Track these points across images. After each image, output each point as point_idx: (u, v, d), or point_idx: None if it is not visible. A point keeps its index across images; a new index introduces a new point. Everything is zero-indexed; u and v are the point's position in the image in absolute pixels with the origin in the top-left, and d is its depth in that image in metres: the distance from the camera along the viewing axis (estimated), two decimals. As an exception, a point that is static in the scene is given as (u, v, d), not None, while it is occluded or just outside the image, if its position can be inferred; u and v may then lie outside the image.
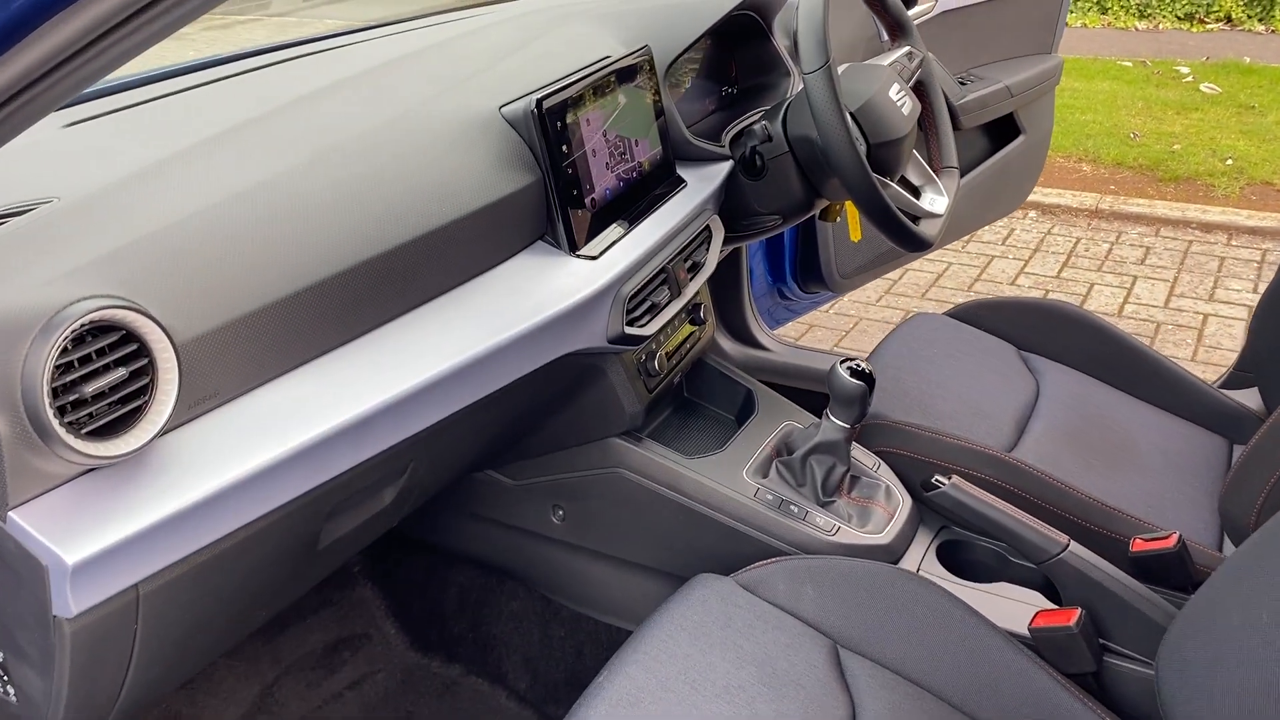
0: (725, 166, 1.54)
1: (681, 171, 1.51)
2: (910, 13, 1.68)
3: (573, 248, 1.28)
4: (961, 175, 1.90)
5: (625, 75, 1.38)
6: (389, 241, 1.06)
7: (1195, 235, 4.16)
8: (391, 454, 1.06)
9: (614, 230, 1.34)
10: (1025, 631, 1.27)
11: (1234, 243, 4.07)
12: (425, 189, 1.12)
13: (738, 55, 1.75)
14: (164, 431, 0.86)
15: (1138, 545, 1.38)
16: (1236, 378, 1.92)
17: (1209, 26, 7.48)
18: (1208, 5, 7.54)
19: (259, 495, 0.93)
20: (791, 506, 1.41)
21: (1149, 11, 7.68)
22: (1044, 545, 1.29)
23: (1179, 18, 7.59)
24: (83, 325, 0.80)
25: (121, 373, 0.82)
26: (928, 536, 1.49)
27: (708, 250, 1.51)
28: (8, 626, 0.88)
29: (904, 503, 1.48)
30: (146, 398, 0.85)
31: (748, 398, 1.63)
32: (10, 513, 0.80)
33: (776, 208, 1.57)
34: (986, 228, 4.18)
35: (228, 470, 0.89)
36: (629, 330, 1.30)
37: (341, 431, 0.97)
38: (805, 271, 2.35)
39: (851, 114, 1.45)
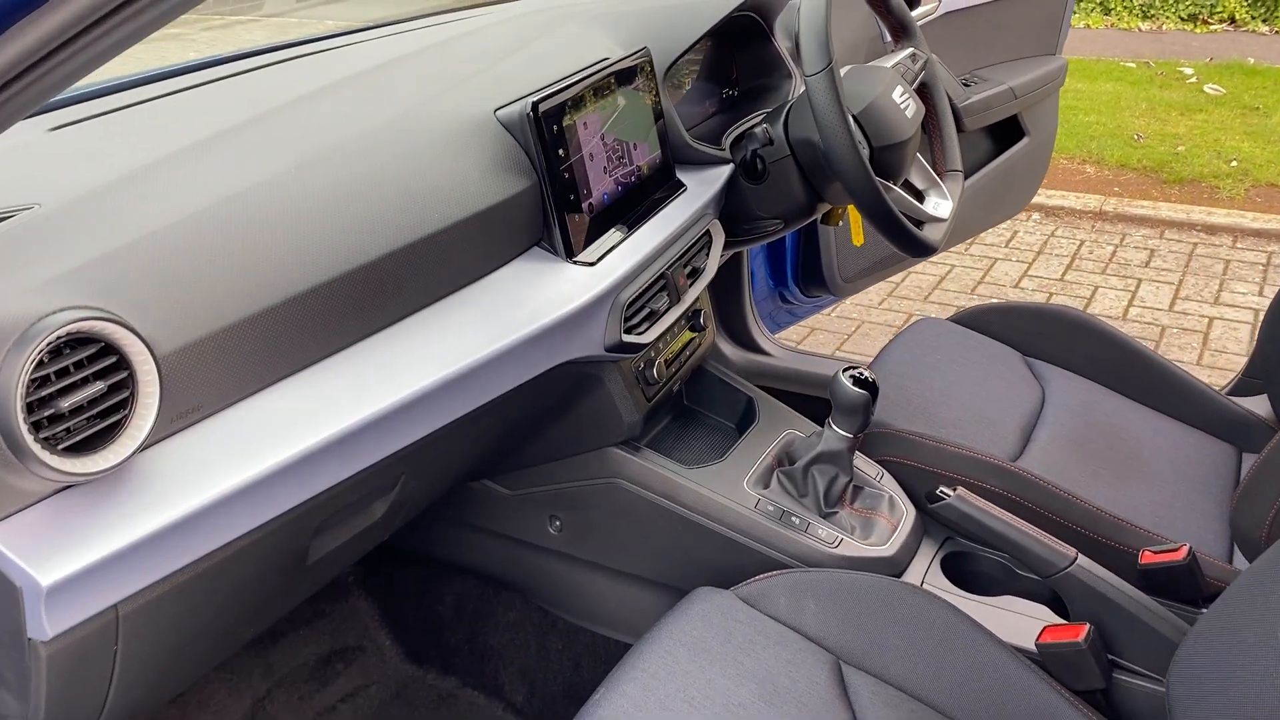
0: (726, 170, 1.52)
1: (681, 175, 1.48)
2: (913, 14, 1.65)
3: (569, 254, 1.25)
4: (965, 178, 1.87)
5: (623, 77, 1.35)
6: (378, 249, 1.03)
7: (1200, 238, 4.13)
8: (381, 467, 1.03)
9: (612, 236, 1.31)
10: (1032, 647, 1.25)
11: (1239, 245, 4.04)
12: (416, 195, 1.10)
13: (738, 57, 1.72)
14: (144, 447, 0.83)
15: (1147, 557, 1.35)
16: (1245, 384, 1.89)
17: (1213, 27, 7.45)
18: (1211, 6, 7.51)
19: (243, 511, 0.90)
20: (793, 518, 1.38)
21: (1152, 12, 7.65)
22: (1051, 559, 1.26)
23: (1183, 18, 7.56)
24: (59, 337, 0.77)
25: (100, 386, 0.79)
26: (932, 548, 1.46)
27: (708, 255, 1.48)
28: None
29: (908, 514, 1.45)
30: (126, 412, 0.82)
31: (748, 406, 1.60)
32: (-17, 532, 0.77)
33: (778, 212, 1.54)
34: (989, 230, 4.15)
35: (211, 486, 0.87)
36: (627, 338, 1.28)
37: (328, 446, 0.94)
38: (807, 275, 2.32)
39: (854, 117, 1.43)
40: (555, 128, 1.22)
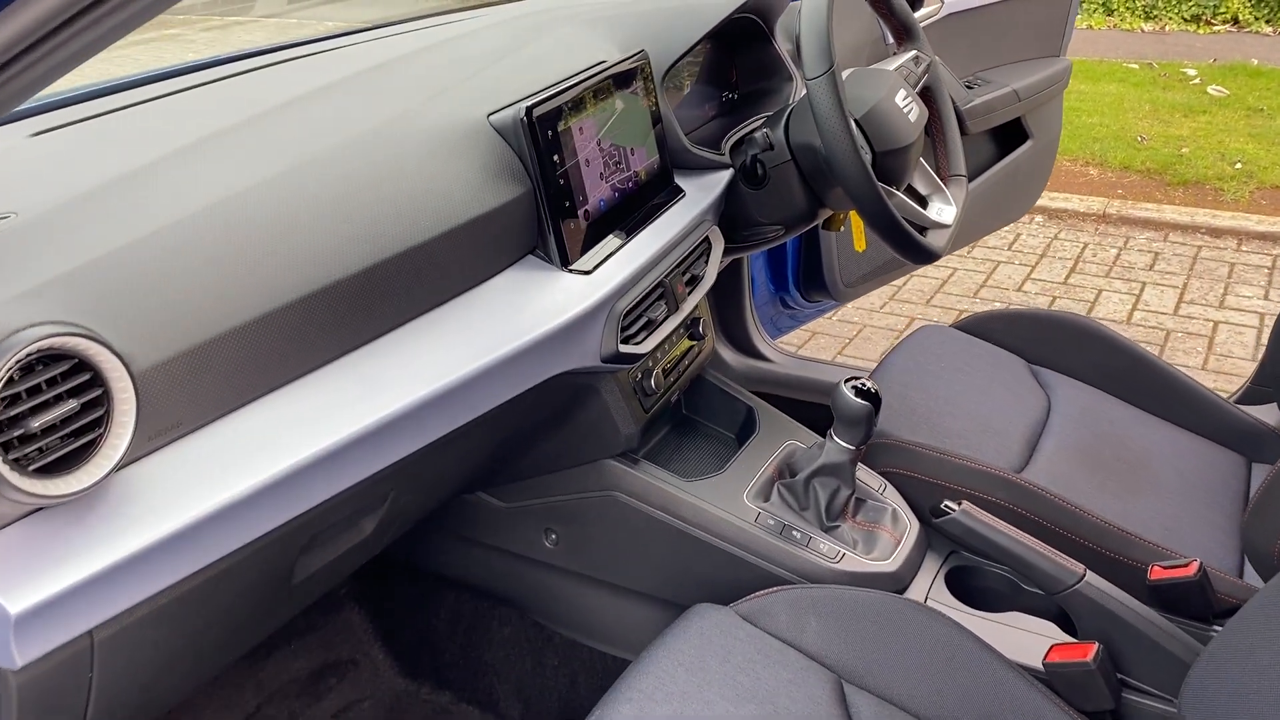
0: (725, 175, 1.49)
1: (680, 181, 1.45)
2: (916, 15, 1.62)
3: (565, 262, 1.22)
4: (968, 181, 1.84)
5: (621, 81, 1.32)
6: (366, 260, 1.00)
7: (1204, 240, 4.10)
8: (369, 484, 1.00)
9: (608, 243, 1.28)
10: (1039, 665, 1.21)
11: (1244, 248, 4.01)
12: (406, 203, 1.07)
13: (738, 59, 1.69)
14: (120, 466, 0.80)
15: (1156, 573, 1.32)
16: (1254, 392, 1.86)
17: (1216, 28, 7.42)
18: (1214, 7, 7.47)
19: (225, 532, 0.87)
20: (794, 532, 1.35)
21: (1155, 13, 7.61)
22: (1059, 575, 1.23)
23: (1185, 19, 7.53)
24: (30, 354, 0.74)
25: (72, 405, 0.76)
26: (936, 562, 1.43)
27: (707, 262, 1.45)
28: None
29: (911, 527, 1.42)
30: (101, 431, 0.79)
31: (749, 415, 1.57)
32: (-50, 558, 0.74)
33: (778, 218, 1.51)
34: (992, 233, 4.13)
35: (190, 506, 0.84)
36: (623, 348, 1.25)
37: (314, 462, 0.91)
38: (808, 280, 2.29)
39: (856, 121, 1.40)
40: (550, 133, 1.19)
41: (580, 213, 1.24)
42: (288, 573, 1.02)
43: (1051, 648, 1.21)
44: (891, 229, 1.38)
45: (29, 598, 0.74)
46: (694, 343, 1.51)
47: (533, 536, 1.50)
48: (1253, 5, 7.41)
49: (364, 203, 1.04)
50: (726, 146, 1.53)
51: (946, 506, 1.28)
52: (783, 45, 1.68)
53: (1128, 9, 7.68)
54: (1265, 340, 3.26)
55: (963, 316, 3.44)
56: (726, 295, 2.14)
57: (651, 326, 1.31)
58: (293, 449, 0.90)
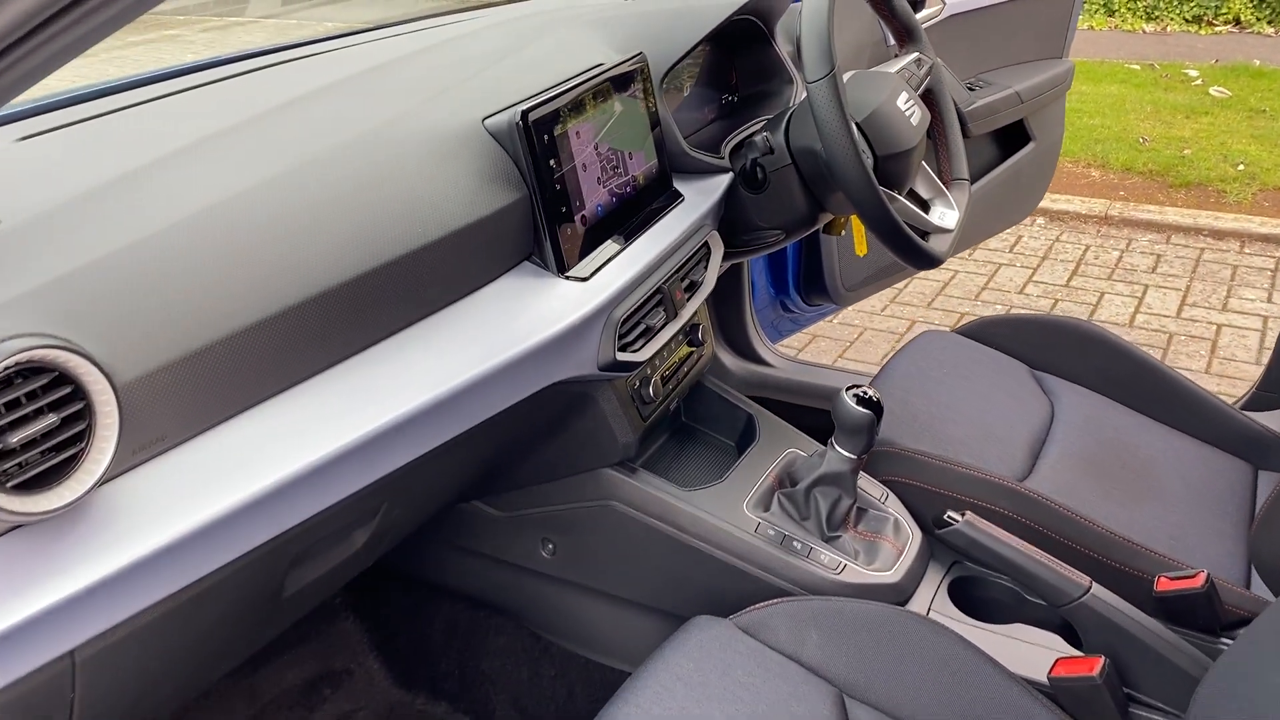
0: (725, 179, 1.47)
1: (678, 185, 1.43)
2: (917, 16, 1.60)
3: (561, 269, 1.20)
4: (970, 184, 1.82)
5: (618, 84, 1.30)
6: (358, 267, 0.98)
7: (1207, 243, 4.07)
8: (361, 496, 0.98)
9: (606, 249, 1.26)
10: (1044, 679, 1.19)
11: (1247, 250, 3.99)
12: (398, 209, 1.04)
13: (738, 62, 1.67)
14: (103, 481, 0.78)
15: (1163, 584, 1.29)
16: (1260, 398, 1.84)
17: (1217, 29, 7.39)
18: (1216, 7, 7.45)
19: (212, 548, 0.85)
20: (794, 543, 1.33)
21: (1156, 14, 7.59)
22: (1064, 588, 1.20)
23: (1187, 20, 7.51)
24: (8, 367, 0.72)
25: (52, 419, 0.74)
26: (939, 573, 1.41)
27: (706, 268, 1.43)
28: None
29: (913, 537, 1.40)
30: (83, 445, 0.77)
31: (749, 423, 1.54)
32: (-74, 576, 0.72)
33: (779, 222, 1.49)
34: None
35: (176, 522, 0.81)
36: (621, 356, 1.22)
37: (303, 476, 0.89)
38: (809, 283, 2.27)
39: (857, 125, 1.38)
40: (546, 137, 1.17)
41: (577, 218, 1.22)
42: (278, 587, 1.00)
43: (1056, 661, 1.19)
44: (893, 234, 1.36)
45: (6, 619, 0.72)
46: (693, 349, 1.49)
47: (529, 546, 1.47)
48: (1254, 6, 7.39)
49: (356, 208, 1.02)
50: (726, 150, 1.51)
51: (949, 517, 1.26)
52: (783, 47, 1.66)
53: (1129, 10, 7.66)
54: (1269, 344, 3.25)
55: (964, 321, 3.42)
56: (726, 299, 2.12)
57: (649, 334, 1.29)
58: (281, 462, 0.88)
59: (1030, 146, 2.57)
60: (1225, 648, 1.29)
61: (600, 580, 1.45)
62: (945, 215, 1.54)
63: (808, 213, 1.48)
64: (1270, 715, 0.91)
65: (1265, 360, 3.15)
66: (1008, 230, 4.21)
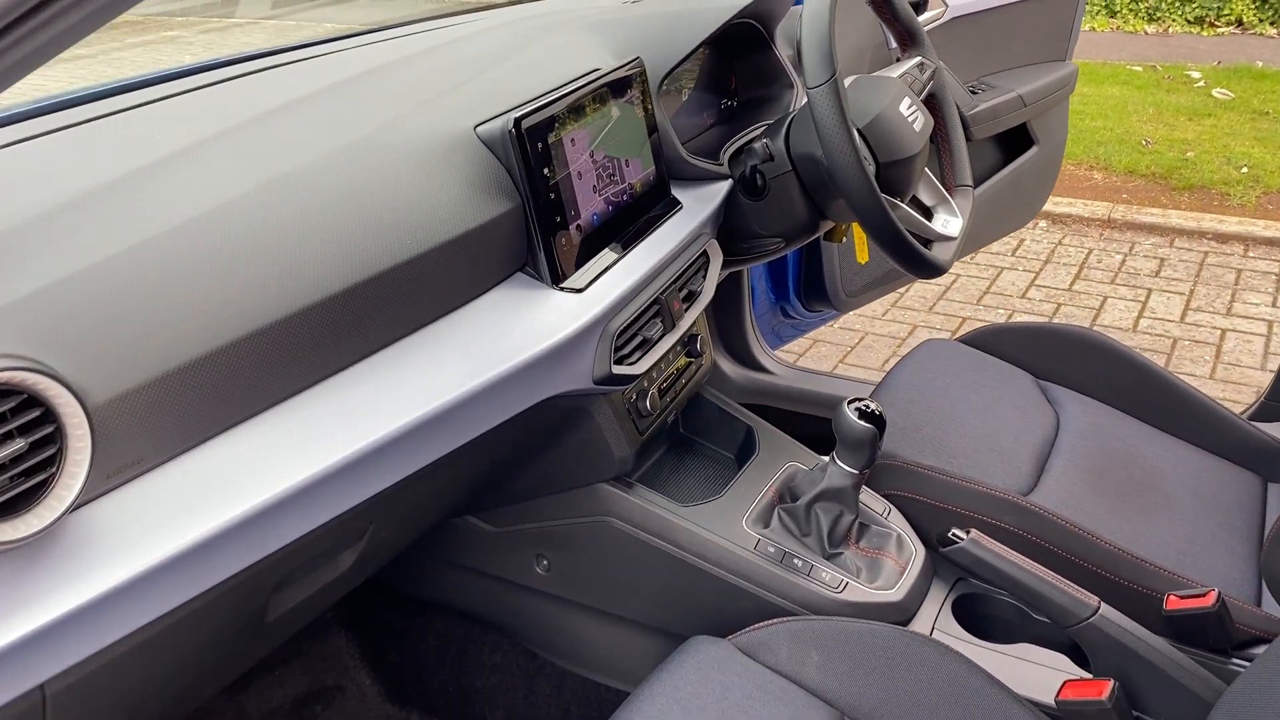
0: (724, 186, 1.44)
1: (677, 192, 1.40)
2: (919, 19, 1.56)
3: (555, 280, 1.17)
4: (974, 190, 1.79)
5: (615, 89, 1.27)
6: (344, 280, 0.95)
7: (1211, 246, 4.04)
8: (347, 517, 0.95)
9: (602, 259, 1.23)
10: (1051, 702, 1.16)
11: (1251, 254, 3.96)
12: (387, 219, 1.01)
13: (737, 66, 1.64)
14: (75, 507, 0.75)
15: (1172, 603, 1.26)
16: (1268, 408, 1.81)
17: (1220, 30, 7.36)
18: (1218, 8, 7.42)
19: (190, 575, 0.82)
20: (795, 560, 1.30)
21: (1158, 15, 7.56)
22: (1072, 608, 1.17)
23: (1189, 21, 7.48)
24: (-27, 391, 0.69)
25: (20, 444, 0.71)
26: (943, 590, 1.38)
27: (704, 278, 1.40)
28: None
29: (917, 553, 1.36)
30: (53, 470, 0.74)
31: (748, 435, 1.51)
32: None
33: (779, 230, 1.46)
34: (995, 239, 4.08)
35: (152, 549, 0.78)
36: (617, 369, 1.19)
37: (286, 499, 0.86)
38: (809, 289, 2.25)
39: (859, 131, 1.35)
40: (540, 145, 1.14)
41: (572, 228, 1.19)
42: (260, 612, 0.97)
43: (1064, 684, 1.16)
44: (895, 242, 1.33)
45: (-28, 653, 0.69)
46: (691, 360, 1.46)
47: (523, 562, 1.44)
48: (1257, 7, 7.36)
49: (342, 219, 0.98)
50: (725, 156, 1.48)
51: (954, 535, 1.23)
52: (783, 51, 1.63)
53: (1131, 11, 7.63)
54: (1275, 349, 3.22)
55: (966, 326, 3.39)
56: (726, 305, 2.09)
57: (647, 346, 1.26)
58: (263, 485, 0.85)
59: (1033, 150, 2.54)
60: (1236, 668, 1.26)
61: (596, 597, 1.42)
62: (948, 223, 1.51)
63: (808, 220, 1.45)
64: (1287, 745, 0.88)
65: (1270, 366, 3.13)
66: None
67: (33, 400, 0.72)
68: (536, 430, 1.23)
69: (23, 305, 0.77)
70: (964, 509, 1.40)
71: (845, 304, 2.27)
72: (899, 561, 1.35)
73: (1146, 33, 7.46)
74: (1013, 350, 1.79)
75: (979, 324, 3.46)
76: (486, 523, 1.44)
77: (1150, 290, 3.68)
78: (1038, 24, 2.53)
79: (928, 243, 1.46)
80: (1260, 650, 1.27)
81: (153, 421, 0.81)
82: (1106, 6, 7.69)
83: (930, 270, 1.40)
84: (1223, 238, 4.08)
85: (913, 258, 1.35)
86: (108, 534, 0.78)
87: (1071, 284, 3.77)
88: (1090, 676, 1.20)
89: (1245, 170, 4.68)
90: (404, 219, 1.03)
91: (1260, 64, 6.32)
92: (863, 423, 1.27)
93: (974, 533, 1.23)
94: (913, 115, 1.40)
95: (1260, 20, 7.34)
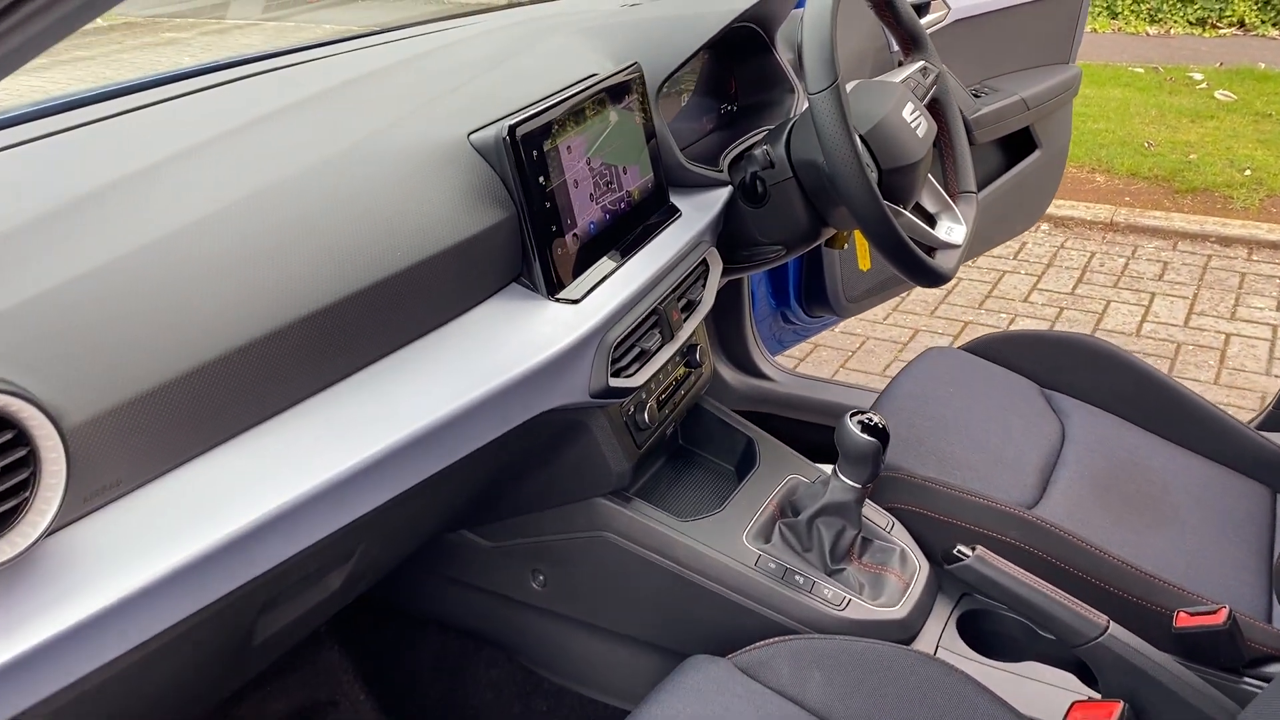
0: (723, 193, 1.41)
1: (675, 199, 1.37)
2: (922, 21, 1.54)
3: (551, 291, 1.14)
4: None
5: (612, 95, 1.24)
6: (332, 294, 0.92)
7: (1214, 249, 4.01)
8: (336, 537, 0.92)
9: (598, 269, 1.20)
10: (1059, 724, 1.13)
11: (1255, 257, 3.93)
12: (378, 230, 0.98)
13: (737, 70, 1.61)
14: (50, 532, 0.72)
15: (1183, 620, 1.24)
16: (1276, 418, 1.78)
17: (1222, 31, 7.34)
18: (1220, 10, 7.40)
19: (171, 600, 0.79)
20: (796, 576, 1.27)
21: (1160, 16, 7.54)
22: (1081, 628, 1.14)
23: (1191, 23, 7.45)
24: (-58, 414, 0.66)
25: (-10, 469, 0.68)
26: (947, 606, 1.35)
27: (704, 286, 1.37)
28: None
29: (920, 569, 1.34)
30: (27, 494, 0.71)
31: (748, 447, 1.48)
32: None
33: (779, 237, 1.44)
34: (997, 242, 4.05)
35: (131, 574, 0.76)
36: (614, 382, 1.16)
37: (271, 520, 0.83)
38: (810, 294, 2.22)
39: (861, 137, 1.33)
40: (535, 152, 1.11)
41: (568, 237, 1.16)
42: (246, 634, 0.94)
43: (1073, 706, 1.13)
44: (898, 250, 1.30)
45: (-61, 688, 0.66)
46: (690, 371, 1.43)
47: (519, 577, 1.41)
48: (1259, 8, 7.33)
49: (329, 230, 0.96)
50: (725, 163, 1.45)
51: (960, 552, 1.20)
52: (784, 55, 1.60)
53: (1132, 12, 7.60)
54: (1279, 354, 3.19)
55: (967, 332, 3.36)
56: (726, 312, 2.06)
57: (645, 357, 1.23)
58: (247, 506, 0.82)
59: (1036, 154, 2.52)
60: (1249, 688, 1.23)
61: (593, 614, 1.39)
62: (952, 230, 1.48)
63: (809, 227, 1.42)
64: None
65: (1276, 371, 3.10)
66: (1012, 237, 4.15)
67: (4, 423, 0.70)
68: (531, 445, 1.20)
69: (1, 321, 0.74)
70: (969, 523, 1.37)
71: (847, 309, 2.24)
72: (903, 577, 1.32)
73: (1148, 34, 7.43)
74: (1017, 359, 1.76)
75: (981, 328, 3.44)
76: (481, 537, 1.42)
77: (1153, 294, 3.66)
78: (1041, 26, 2.50)
79: (931, 250, 1.43)
80: (1273, 669, 1.24)
81: (132, 442, 0.78)
82: (1108, 8, 7.67)
83: (934, 279, 1.37)
84: (1226, 241, 4.05)
85: (916, 266, 1.33)
86: (85, 559, 0.75)
87: (1074, 288, 3.74)
88: (1099, 696, 1.17)
89: (1248, 173, 4.65)
90: (395, 229, 1.00)
91: (1263, 66, 6.29)
92: (866, 436, 1.24)
93: (980, 549, 1.20)
94: (916, 121, 1.38)
95: (1262, 22, 7.32)
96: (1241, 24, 7.38)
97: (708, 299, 1.36)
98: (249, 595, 0.87)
